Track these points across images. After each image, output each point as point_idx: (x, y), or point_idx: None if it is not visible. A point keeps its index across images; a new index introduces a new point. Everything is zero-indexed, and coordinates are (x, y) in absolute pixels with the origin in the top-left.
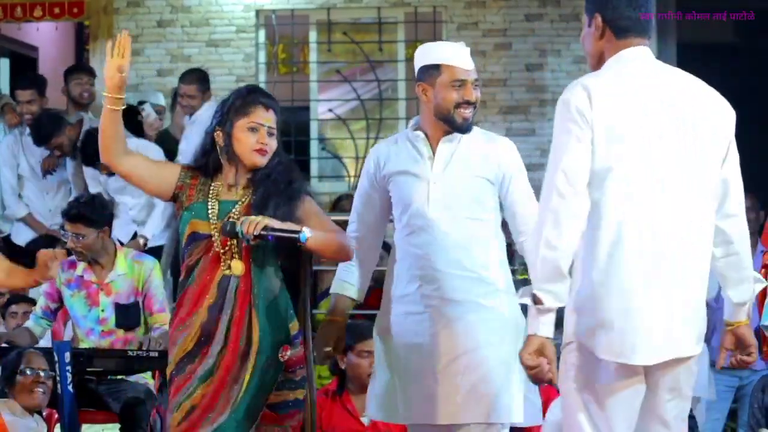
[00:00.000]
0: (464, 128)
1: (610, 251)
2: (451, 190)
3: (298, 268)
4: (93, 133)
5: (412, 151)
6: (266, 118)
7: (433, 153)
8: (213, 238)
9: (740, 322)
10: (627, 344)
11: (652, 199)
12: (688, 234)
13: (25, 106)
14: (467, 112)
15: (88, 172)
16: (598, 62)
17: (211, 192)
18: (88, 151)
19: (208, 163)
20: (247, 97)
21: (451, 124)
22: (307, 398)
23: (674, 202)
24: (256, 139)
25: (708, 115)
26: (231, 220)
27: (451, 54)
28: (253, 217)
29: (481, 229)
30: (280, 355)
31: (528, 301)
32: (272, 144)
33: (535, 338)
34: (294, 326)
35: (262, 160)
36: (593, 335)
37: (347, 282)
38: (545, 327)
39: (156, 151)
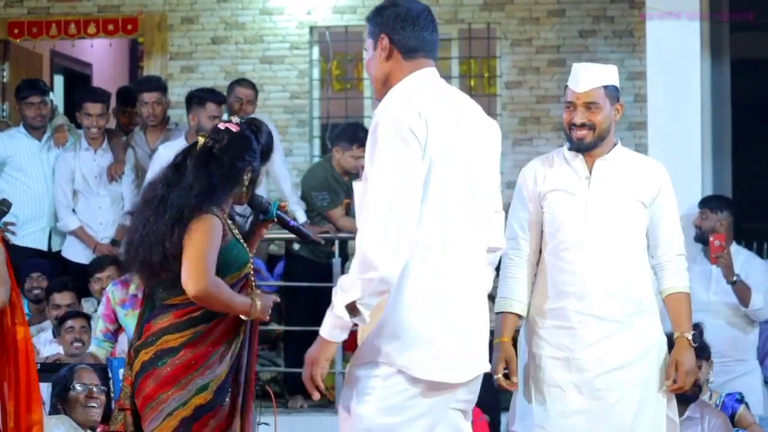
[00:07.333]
0: (579, 149)
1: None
2: (608, 211)
3: None
4: None
5: (568, 169)
6: None
7: (590, 173)
8: (251, 275)
9: None
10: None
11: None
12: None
13: (95, 120)
14: (579, 133)
15: None
16: (384, 86)
17: (233, 229)
18: None
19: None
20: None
21: (569, 144)
22: None
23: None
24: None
25: (493, 138)
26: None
27: (571, 75)
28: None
29: (632, 250)
30: None
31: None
32: None
33: None
34: None
35: None
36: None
37: (514, 299)
38: None
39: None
